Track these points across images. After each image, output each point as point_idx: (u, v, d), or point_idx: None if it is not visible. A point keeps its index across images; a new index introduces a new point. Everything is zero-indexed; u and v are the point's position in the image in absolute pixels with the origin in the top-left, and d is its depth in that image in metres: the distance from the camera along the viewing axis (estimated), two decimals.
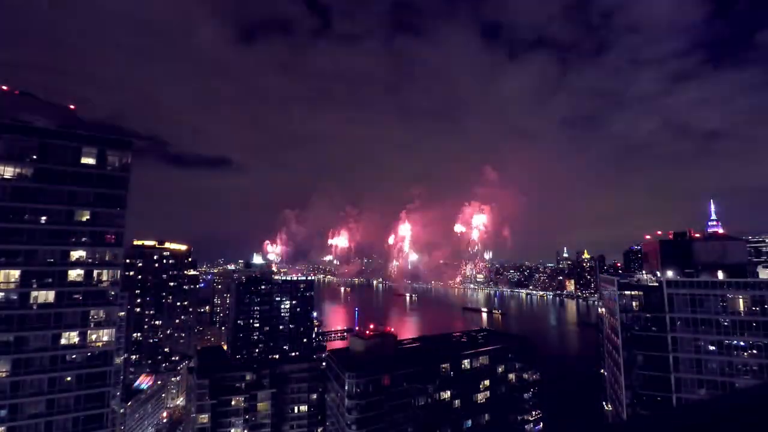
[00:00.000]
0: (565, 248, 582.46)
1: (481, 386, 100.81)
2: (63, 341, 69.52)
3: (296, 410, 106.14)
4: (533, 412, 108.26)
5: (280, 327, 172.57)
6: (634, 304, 75.84)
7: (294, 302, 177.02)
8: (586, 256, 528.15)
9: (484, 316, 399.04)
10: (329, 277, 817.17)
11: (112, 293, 74.54)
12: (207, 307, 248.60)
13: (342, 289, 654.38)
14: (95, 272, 72.87)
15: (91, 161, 73.31)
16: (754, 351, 68.24)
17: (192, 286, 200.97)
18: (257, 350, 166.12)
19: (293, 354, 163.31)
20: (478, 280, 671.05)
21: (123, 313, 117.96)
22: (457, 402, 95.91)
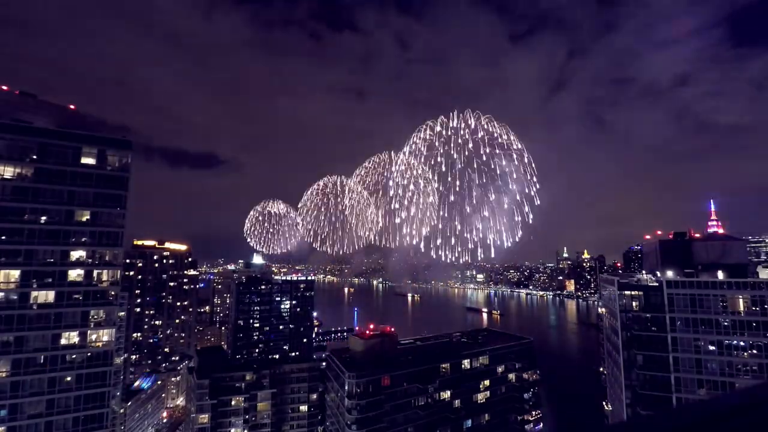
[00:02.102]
0: (565, 248, 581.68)
1: (481, 386, 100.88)
2: (63, 341, 69.57)
3: (296, 410, 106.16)
4: (533, 412, 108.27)
5: (280, 327, 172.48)
6: (634, 304, 75.79)
7: (294, 302, 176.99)
8: (586, 256, 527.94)
9: (485, 316, 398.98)
10: (330, 276, 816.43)
11: (112, 293, 74.60)
12: (207, 307, 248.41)
13: (346, 289, 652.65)
14: (95, 272, 72.91)
15: (91, 161, 73.34)
16: (754, 351, 68.24)
17: (192, 286, 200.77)
18: (257, 350, 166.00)
19: (293, 354, 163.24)
20: (478, 280, 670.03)
21: (123, 313, 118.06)
22: (457, 402, 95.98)
